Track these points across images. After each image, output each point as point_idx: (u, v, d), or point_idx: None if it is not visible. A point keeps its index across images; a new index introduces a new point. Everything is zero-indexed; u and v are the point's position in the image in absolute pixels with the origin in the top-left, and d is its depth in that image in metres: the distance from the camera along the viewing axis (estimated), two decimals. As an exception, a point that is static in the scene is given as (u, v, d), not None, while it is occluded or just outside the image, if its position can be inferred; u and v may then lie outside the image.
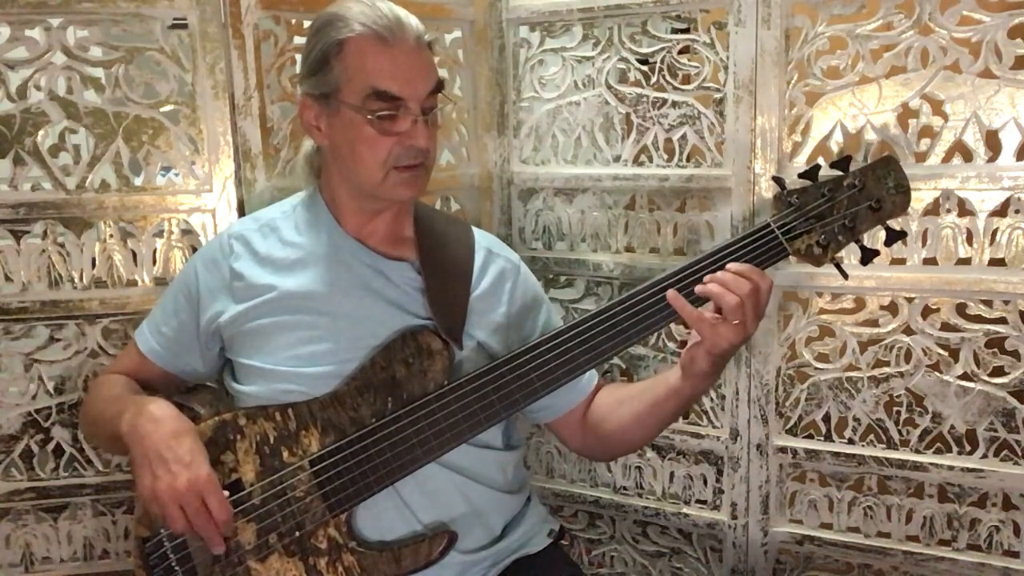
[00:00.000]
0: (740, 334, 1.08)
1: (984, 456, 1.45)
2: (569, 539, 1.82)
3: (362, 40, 1.11)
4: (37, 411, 1.50)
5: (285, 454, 1.15)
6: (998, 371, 1.43)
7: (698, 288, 1.09)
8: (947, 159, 1.41)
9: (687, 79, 1.57)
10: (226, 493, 1.10)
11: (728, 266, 1.10)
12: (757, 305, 1.08)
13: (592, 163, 1.68)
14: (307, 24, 1.49)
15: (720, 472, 1.63)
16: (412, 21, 1.14)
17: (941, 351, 1.45)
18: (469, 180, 1.73)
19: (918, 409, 1.49)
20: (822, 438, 1.55)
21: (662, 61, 1.58)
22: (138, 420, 1.12)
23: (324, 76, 1.14)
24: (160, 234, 1.50)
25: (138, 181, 1.49)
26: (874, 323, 1.49)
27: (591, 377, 1.30)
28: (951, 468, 1.46)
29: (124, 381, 1.28)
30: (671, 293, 1.10)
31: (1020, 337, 1.40)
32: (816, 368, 1.54)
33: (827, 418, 1.55)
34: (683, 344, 1.55)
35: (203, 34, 1.43)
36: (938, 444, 1.48)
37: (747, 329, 1.08)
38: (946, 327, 1.44)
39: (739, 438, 1.59)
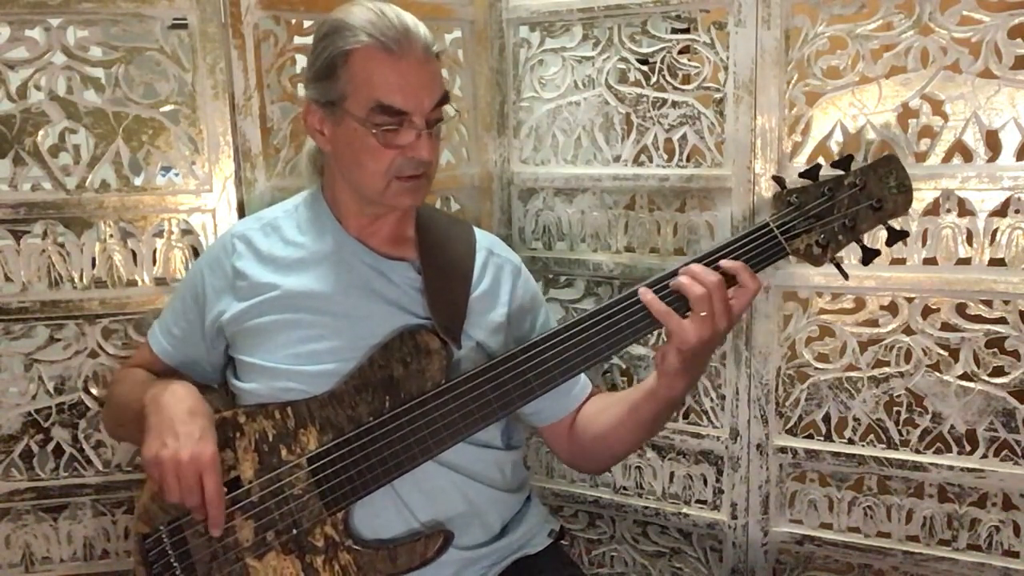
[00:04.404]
0: (707, 328, 1.05)
1: (984, 456, 1.45)
2: (569, 539, 1.82)
3: (369, 51, 1.10)
4: (37, 411, 1.50)
5: (283, 452, 1.15)
6: (998, 371, 1.43)
7: (671, 282, 1.08)
8: (947, 159, 1.41)
9: (687, 79, 1.57)
10: (225, 489, 1.10)
11: (720, 263, 1.09)
12: (726, 300, 1.06)
13: (592, 163, 1.68)
14: (307, 24, 1.50)
15: (720, 472, 1.63)
16: (421, 31, 1.12)
17: (941, 351, 1.45)
18: (469, 180, 1.73)
19: (918, 409, 1.48)
20: (822, 438, 1.55)
21: (662, 61, 1.58)
22: (161, 394, 1.14)
23: (329, 84, 1.13)
24: (160, 234, 1.50)
25: (138, 181, 1.49)
26: (874, 323, 1.49)
27: (583, 387, 1.29)
28: (951, 468, 1.46)
29: (146, 372, 1.31)
30: (642, 290, 1.09)
31: (1020, 337, 1.40)
32: (816, 368, 1.54)
33: (827, 418, 1.55)
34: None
35: (203, 34, 1.43)
36: (938, 444, 1.48)
37: (715, 324, 1.05)
38: (946, 327, 1.44)
39: (739, 438, 1.59)
